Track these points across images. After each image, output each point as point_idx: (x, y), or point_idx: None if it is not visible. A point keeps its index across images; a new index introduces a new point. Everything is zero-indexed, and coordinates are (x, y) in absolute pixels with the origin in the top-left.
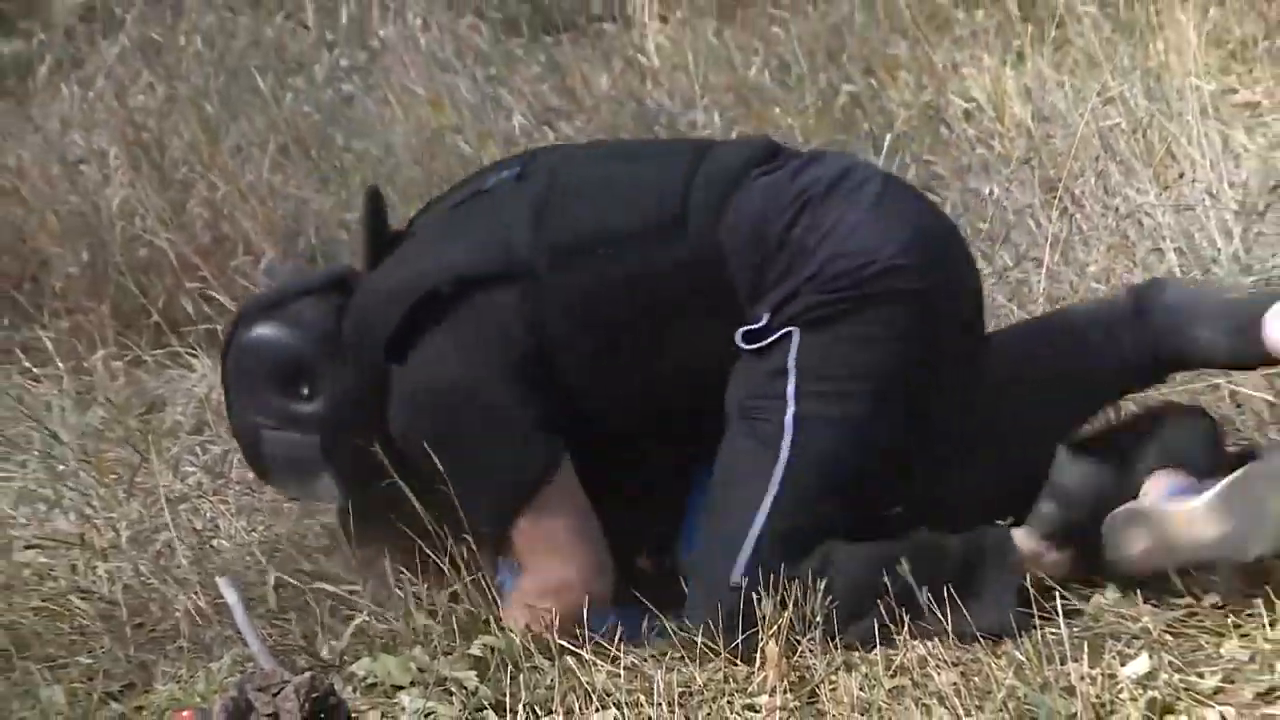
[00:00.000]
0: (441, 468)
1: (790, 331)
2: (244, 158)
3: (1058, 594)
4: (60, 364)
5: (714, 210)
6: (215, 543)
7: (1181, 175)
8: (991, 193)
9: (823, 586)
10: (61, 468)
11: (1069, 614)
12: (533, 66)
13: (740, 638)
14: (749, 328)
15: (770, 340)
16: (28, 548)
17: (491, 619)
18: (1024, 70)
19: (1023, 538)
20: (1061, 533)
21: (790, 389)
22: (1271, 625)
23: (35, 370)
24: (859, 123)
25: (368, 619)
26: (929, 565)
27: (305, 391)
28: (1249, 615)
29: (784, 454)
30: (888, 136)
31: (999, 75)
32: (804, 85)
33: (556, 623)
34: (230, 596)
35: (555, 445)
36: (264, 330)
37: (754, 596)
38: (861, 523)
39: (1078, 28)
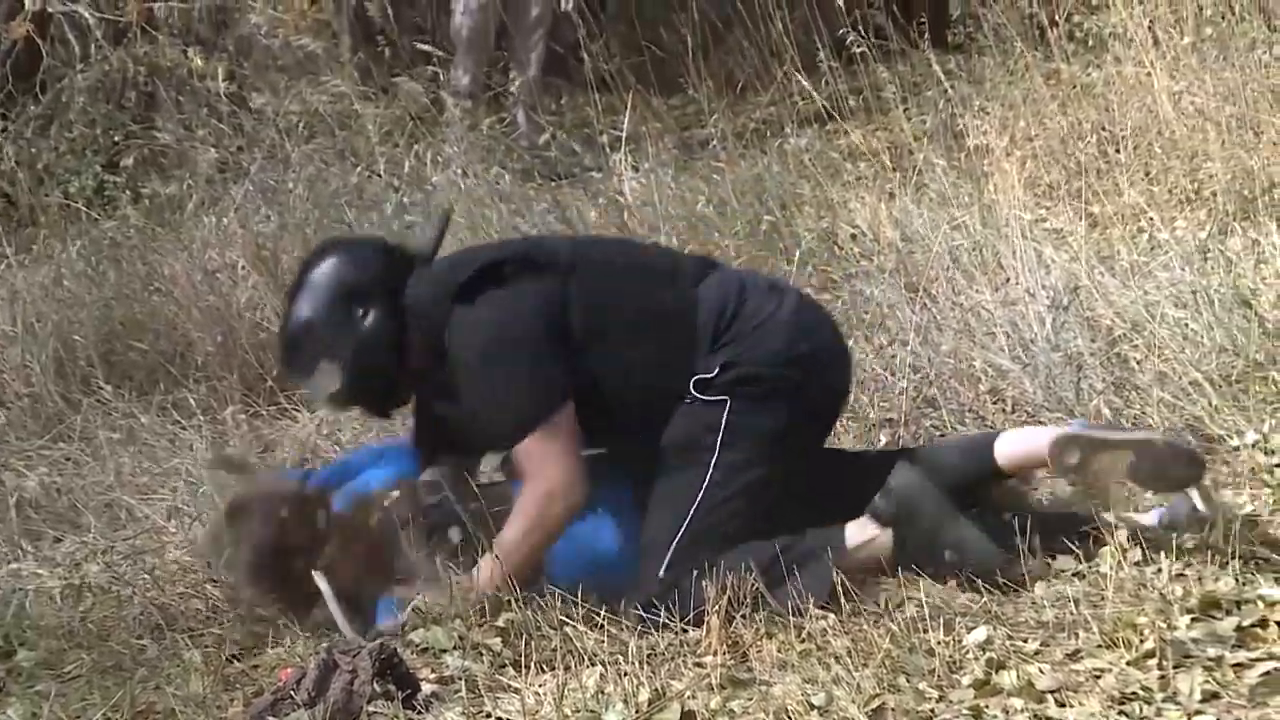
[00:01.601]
0: (479, 386)
1: (725, 399)
2: None
3: (921, 582)
4: (200, 417)
5: (697, 278)
6: None
7: (1008, 280)
8: (871, 293)
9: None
10: (200, 490)
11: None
12: (541, 203)
13: (668, 613)
14: (701, 376)
15: (712, 399)
16: (176, 549)
17: (511, 600)
18: (894, 205)
19: (855, 527)
20: (886, 519)
21: (717, 442)
22: (1076, 603)
23: (182, 421)
24: (776, 242)
25: (423, 600)
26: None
27: (359, 310)
28: (1058, 596)
29: (703, 489)
30: (797, 252)
31: (876, 209)
32: (737, 216)
33: (552, 525)
34: (322, 585)
35: (567, 385)
36: (344, 257)
37: (674, 585)
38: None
39: (932, 174)
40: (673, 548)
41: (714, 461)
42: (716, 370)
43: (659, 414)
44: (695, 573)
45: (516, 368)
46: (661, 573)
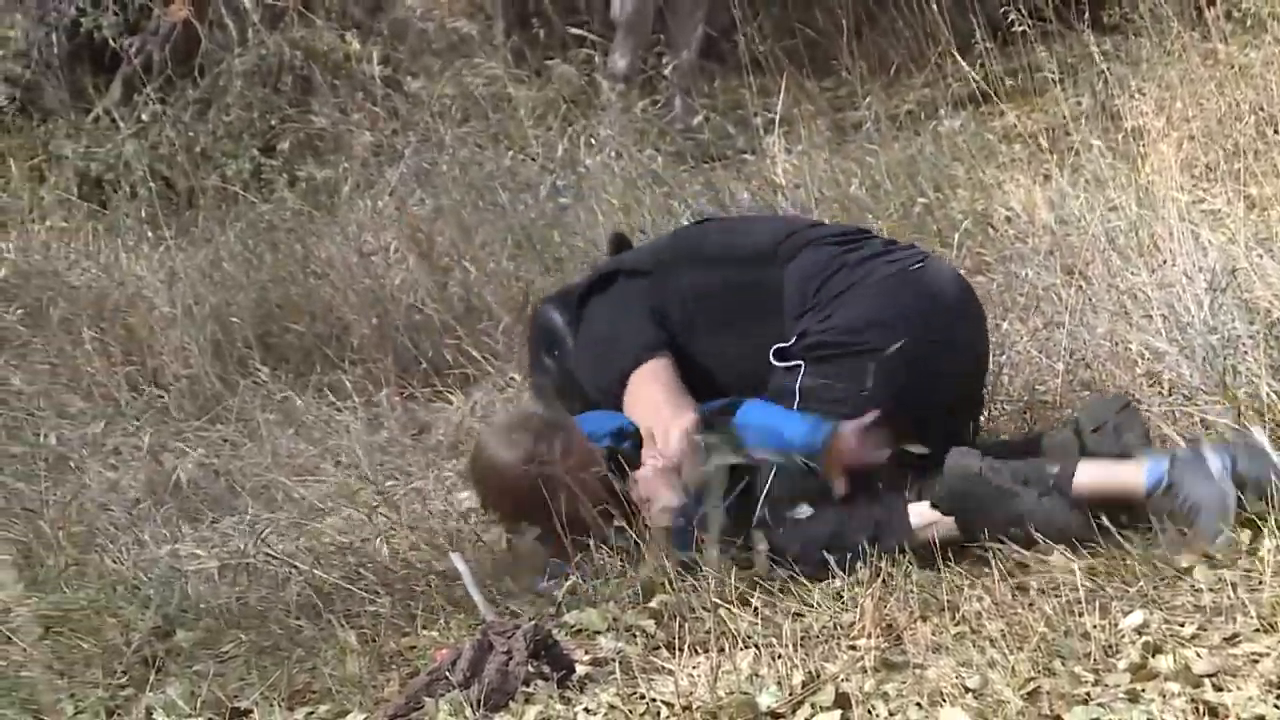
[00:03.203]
0: (592, 349)
1: (800, 364)
2: (489, 251)
3: (1076, 564)
4: (356, 399)
5: (790, 256)
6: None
7: (1164, 262)
8: (1026, 275)
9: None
10: (356, 472)
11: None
12: (694, 185)
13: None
14: (779, 345)
15: (789, 364)
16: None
17: (666, 581)
18: (1049, 187)
19: (917, 509)
20: (944, 508)
21: (795, 403)
22: (1234, 587)
23: (338, 403)
24: (930, 225)
25: (580, 582)
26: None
27: (555, 353)
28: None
29: None
30: (955, 235)
31: (1031, 191)
32: (890, 198)
33: (673, 462)
34: (461, 567)
35: (663, 340)
36: (545, 312)
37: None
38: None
39: (1088, 156)
40: (761, 504)
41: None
42: (794, 339)
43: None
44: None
45: (620, 329)
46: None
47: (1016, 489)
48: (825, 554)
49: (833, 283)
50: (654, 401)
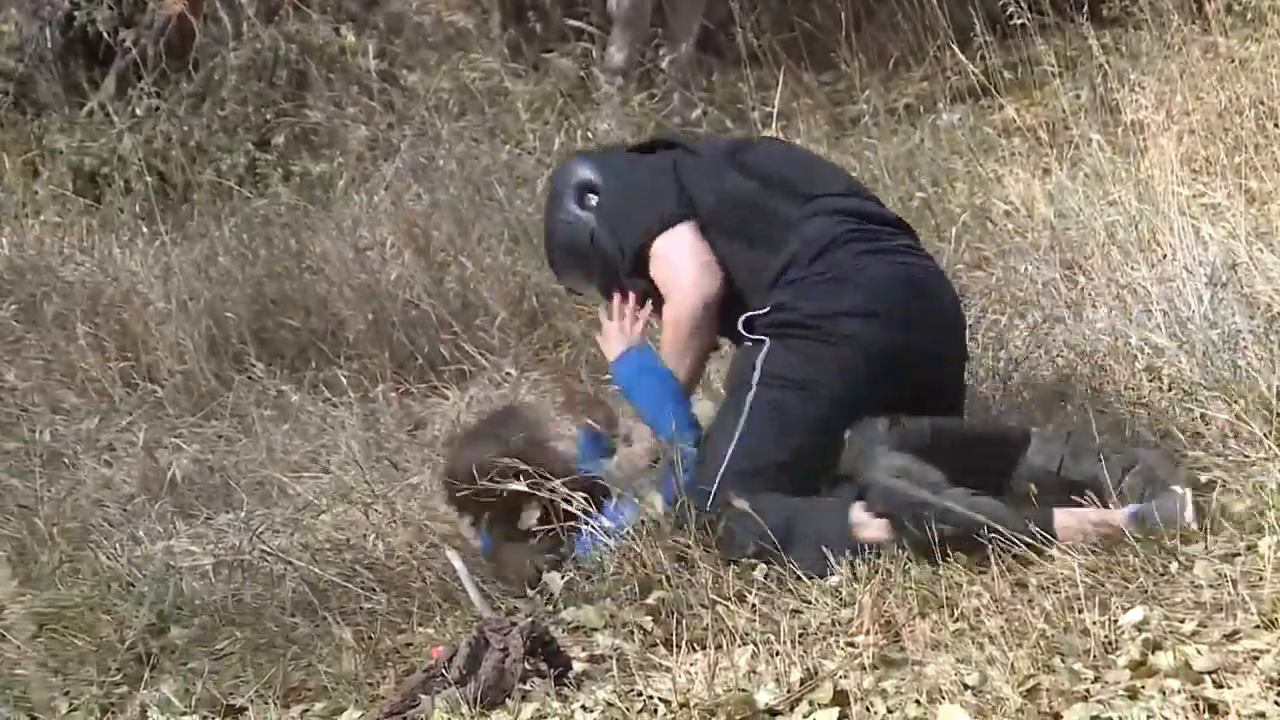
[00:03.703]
0: (612, 202)
1: (764, 340)
2: (485, 246)
3: (1075, 561)
4: (351, 394)
5: (814, 212)
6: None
7: (1164, 256)
8: (1025, 269)
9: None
10: (352, 470)
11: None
12: None
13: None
14: (751, 312)
15: (754, 338)
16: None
17: (664, 578)
18: (1048, 181)
19: (859, 509)
20: (875, 511)
21: (755, 378)
22: (1234, 584)
23: (334, 399)
24: (929, 219)
25: (576, 578)
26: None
27: (591, 202)
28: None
29: (741, 423)
30: (952, 229)
31: (1030, 185)
32: (889, 192)
33: (697, 315)
34: (457, 564)
35: (687, 211)
36: (579, 166)
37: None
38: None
39: (1088, 150)
40: (717, 482)
41: (750, 400)
42: (767, 309)
43: (732, 311)
44: (730, 513)
45: (643, 189)
46: (711, 495)
47: (941, 487)
48: (776, 546)
49: (827, 259)
50: (679, 262)
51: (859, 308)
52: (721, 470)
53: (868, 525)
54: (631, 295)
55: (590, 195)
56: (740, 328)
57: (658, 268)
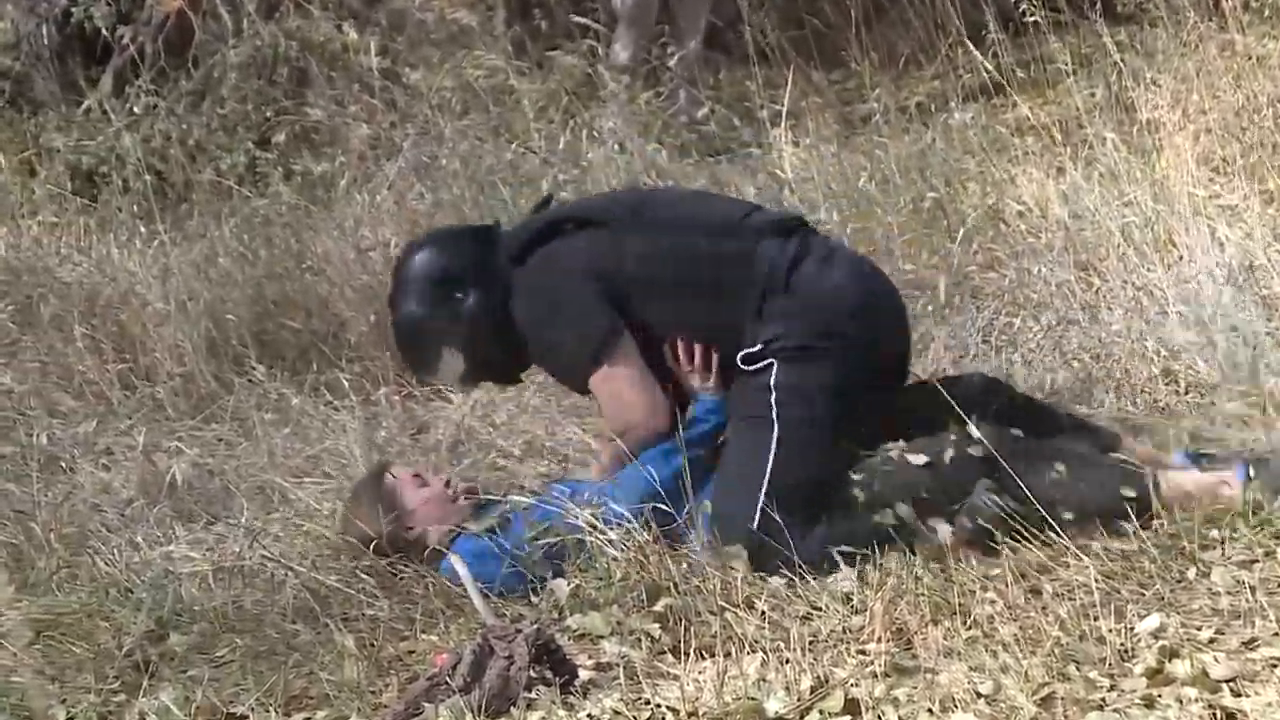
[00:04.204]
0: (539, 342)
1: (772, 363)
2: None
3: (1091, 566)
4: (353, 397)
5: (760, 235)
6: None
7: (1181, 258)
8: (1039, 271)
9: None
10: (353, 473)
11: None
12: (699, 180)
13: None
14: (747, 351)
15: (759, 366)
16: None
17: (671, 584)
18: (1062, 181)
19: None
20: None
21: (773, 399)
22: (1252, 591)
23: (335, 402)
24: (940, 220)
25: (582, 585)
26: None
27: (458, 295)
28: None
29: (773, 444)
30: (961, 229)
31: (1043, 185)
32: (899, 193)
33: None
34: (461, 570)
35: (618, 320)
36: (432, 249)
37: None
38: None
39: (1102, 149)
40: (760, 499)
41: (776, 421)
42: (760, 346)
43: (721, 351)
44: (784, 528)
45: (565, 315)
46: (753, 524)
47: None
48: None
49: (795, 281)
50: (629, 399)
51: (844, 313)
52: (763, 490)
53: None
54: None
55: (455, 293)
56: (740, 364)
57: (605, 396)
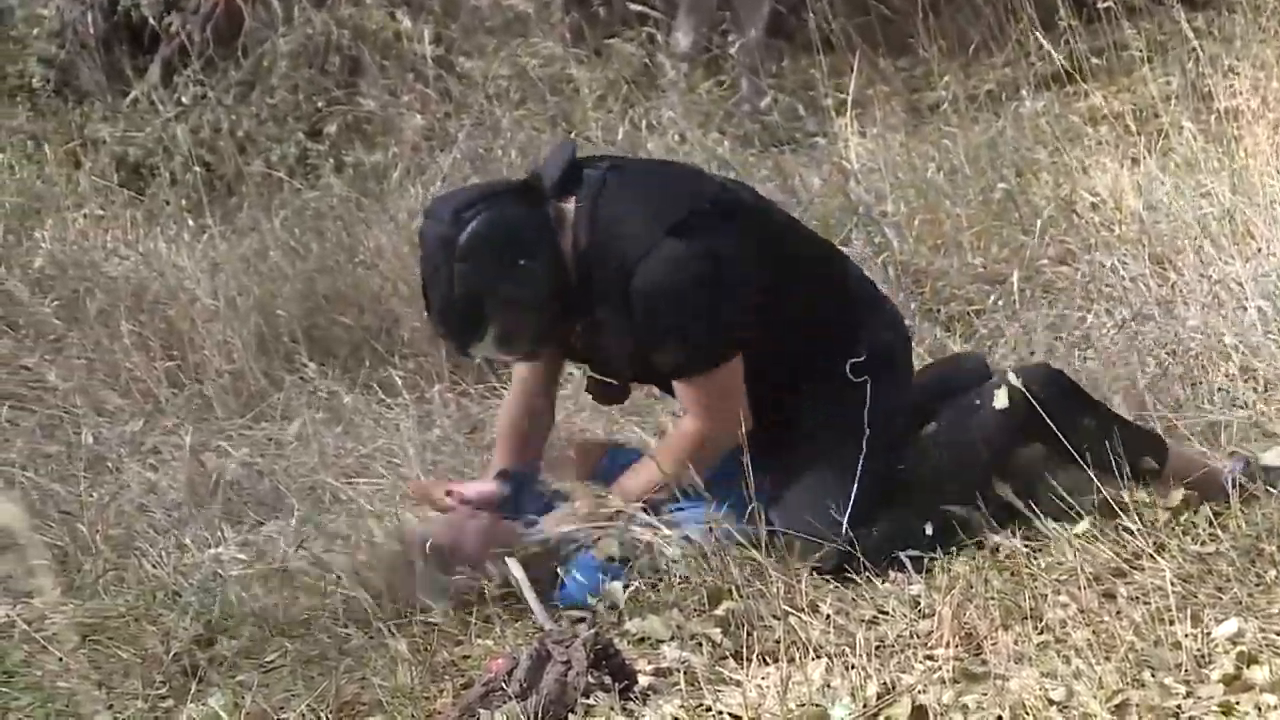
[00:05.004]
0: (674, 315)
1: (867, 379)
2: None
3: (1167, 570)
4: (406, 395)
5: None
6: None
7: (1259, 251)
8: (1112, 264)
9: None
10: (406, 472)
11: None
12: (762, 170)
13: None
14: (854, 360)
15: (858, 380)
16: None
17: (733, 588)
18: (1137, 171)
19: None
20: None
21: (864, 414)
22: None
23: (388, 400)
24: (1011, 211)
25: (642, 587)
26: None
27: (523, 263)
28: None
29: (860, 455)
30: (1037, 222)
31: (1118, 175)
32: (969, 183)
33: (701, 463)
34: (516, 572)
35: (746, 340)
36: (487, 214)
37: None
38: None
39: (1179, 139)
40: (849, 503)
41: (866, 437)
42: (865, 355)
43: (818, 373)
44: (872, 530)
45: (714, 307)
46: (843, 529)
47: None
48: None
49: (857, 291)
50: (711, 402)
51: (896, 327)
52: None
53: None
54: None
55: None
56: (849, 372)
57: (714, 394)
